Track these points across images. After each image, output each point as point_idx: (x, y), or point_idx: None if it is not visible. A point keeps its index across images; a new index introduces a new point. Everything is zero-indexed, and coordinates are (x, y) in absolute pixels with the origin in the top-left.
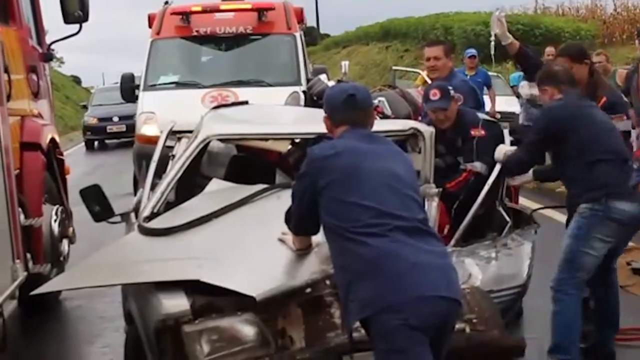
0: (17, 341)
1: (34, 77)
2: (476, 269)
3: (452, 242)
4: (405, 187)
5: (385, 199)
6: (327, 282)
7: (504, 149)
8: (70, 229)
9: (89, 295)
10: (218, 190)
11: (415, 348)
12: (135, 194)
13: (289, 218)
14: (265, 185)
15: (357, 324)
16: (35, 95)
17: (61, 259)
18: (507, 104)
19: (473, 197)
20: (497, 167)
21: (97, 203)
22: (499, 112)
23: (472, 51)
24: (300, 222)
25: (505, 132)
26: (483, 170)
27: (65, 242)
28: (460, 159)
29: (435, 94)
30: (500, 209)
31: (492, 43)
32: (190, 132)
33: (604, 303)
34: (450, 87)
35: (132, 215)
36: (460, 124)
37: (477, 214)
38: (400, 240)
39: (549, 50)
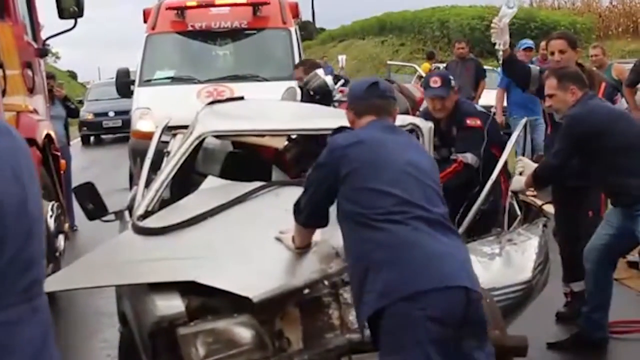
0: None
1: (29, 72)
2: (478, 266)
3: None
4: (428, 179)
5: (408, 188)
6: (326, 282)
7: (521, 180)
8: (66, 225)
9: (85, 292)
10: (213, 188)
11: (431, 342)
12: (130, 190)
13: (299, 209)
14: (262, 183)
15: (355, 325)
16: (31, 91)
17: (57, 254)
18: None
19: (465, 190)
20: (499, 164)
21: (91, 201)
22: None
23: (529, 43)
24: (313, 212)
25: None
26: (474, 162)
27: (61, 237)
28: (453, 149)
29: (435, 82)
30: (514, 201)
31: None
32: (186, 127)
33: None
34: (451, 78)
35: (126, 213)
36: (456, 114)
37: (480, 210)
38: (421, 230)
39: (544, 44)
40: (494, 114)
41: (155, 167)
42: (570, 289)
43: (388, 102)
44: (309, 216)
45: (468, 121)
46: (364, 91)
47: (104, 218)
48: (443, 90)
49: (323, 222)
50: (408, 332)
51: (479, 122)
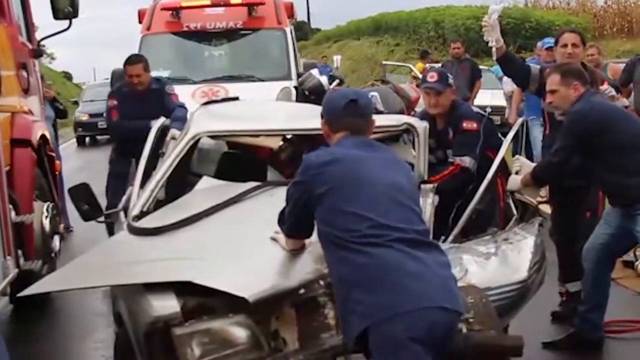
0: (7, 338)
1: (24, 73)
2: (474, 266)
3: (450, 237)
4: (406, 198)
5: (385, 210)
6: (321, 282)
7: (518, 179)
8: (61, 226)
9: (80, 292)
10: (209, 188)
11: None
12: (126, 190)
13: (283, 219)
14: (256, 183)
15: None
16: (26, 91)
17: (52, 255)
18: (494, 97)
19: (460, 190)
20: (496, 163)
21: (86, 202)
22: (490, 107)
23: (551, 41)
24: (294, 225)
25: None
26: (471, 165)
27: (56, 238)
28: (449, 152)
29: (432, 76)
30: (510, 201)
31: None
32: None
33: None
34: (450, 76)
35: (121, 214)
36: (453, 116)
37: (476, 209)
38: (401, 251)
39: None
40: (490, 113)
41: (151, 167)
42: (566, 289)
43: (366, 120)
44: (290, 228)
45: (465, 124)
46: (342, 108)
47: (99, 219)
48: (439, 84)
49: (307, 234)
50: (393, 353)
51: (475, 125)
